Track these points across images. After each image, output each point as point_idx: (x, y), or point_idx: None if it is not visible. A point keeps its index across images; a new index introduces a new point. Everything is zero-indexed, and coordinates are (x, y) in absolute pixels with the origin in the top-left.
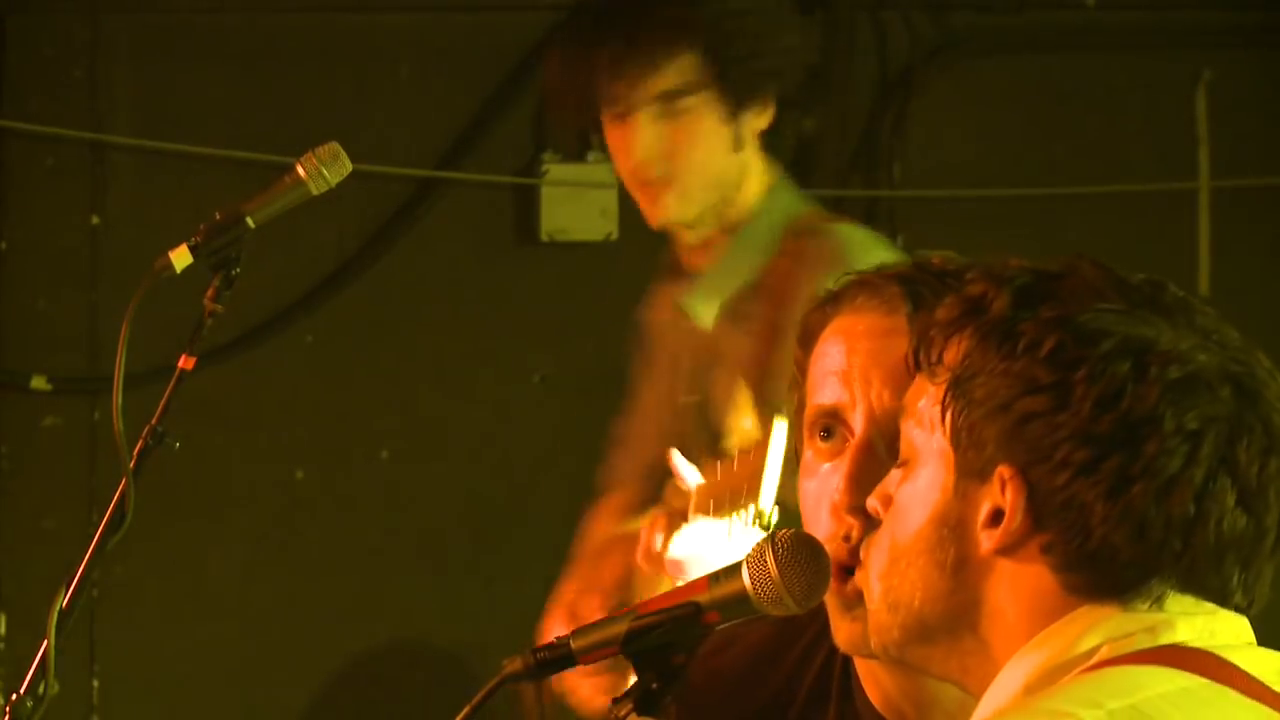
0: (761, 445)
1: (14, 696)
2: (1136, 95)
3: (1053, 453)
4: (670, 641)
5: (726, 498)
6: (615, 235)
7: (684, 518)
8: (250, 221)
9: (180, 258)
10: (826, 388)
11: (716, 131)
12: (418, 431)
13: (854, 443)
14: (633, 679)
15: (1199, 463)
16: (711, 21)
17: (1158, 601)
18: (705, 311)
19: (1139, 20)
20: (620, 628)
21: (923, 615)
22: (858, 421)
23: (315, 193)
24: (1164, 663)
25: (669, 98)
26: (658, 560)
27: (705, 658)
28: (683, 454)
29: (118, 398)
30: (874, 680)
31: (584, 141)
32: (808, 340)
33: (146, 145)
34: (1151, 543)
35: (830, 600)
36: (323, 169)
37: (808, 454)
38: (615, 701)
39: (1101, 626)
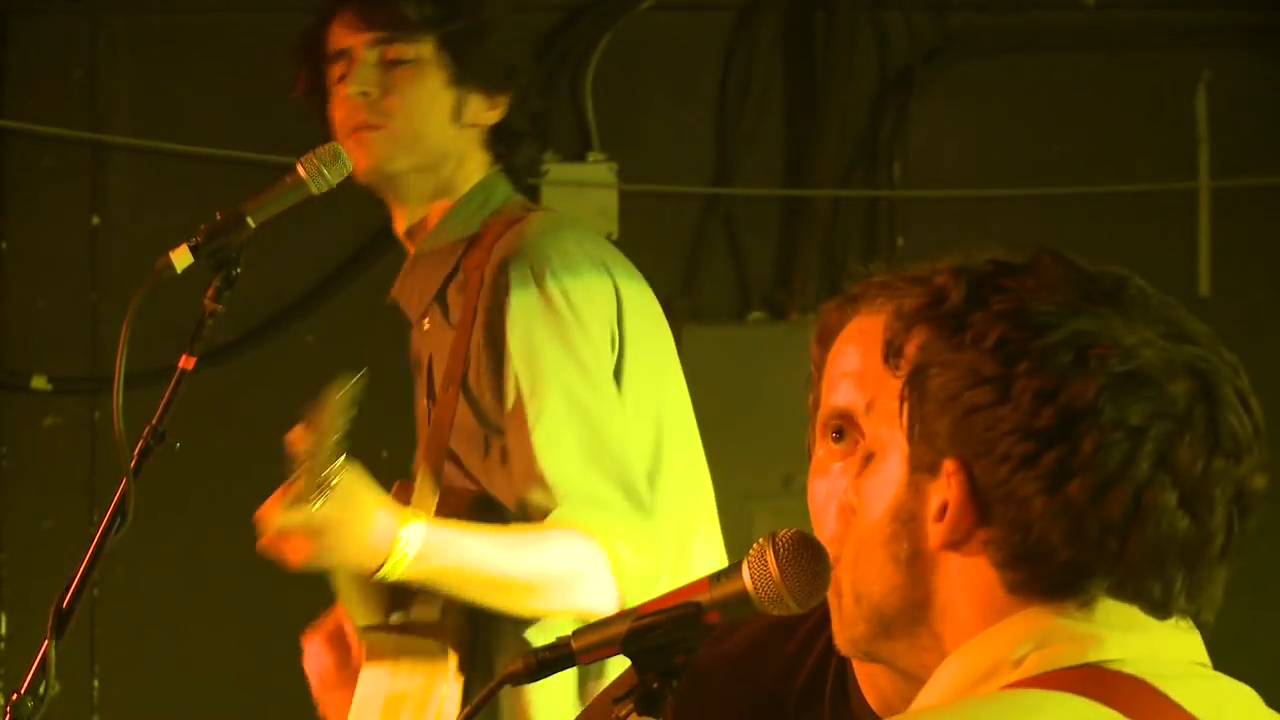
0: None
1: (14, 696)
2: (1136, 95)
3: (995, 446)
4: (671, 641)
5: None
6: (615, 235)
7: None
8: (250, 221)
9: (181, 257)
10: (841, 389)
11: (434, 92)
12: None
13: (864, 444)
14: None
15: (1139, 460)
16: None
17: (1092, 606)
18: (417, 304)
19: (1139, 20)
20: (621, 628)
21: (882, 609)
22: (869, 424)
23: (316, 192)
24: (1082, 689)
25: (390, 42)
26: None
27: (706, 644)
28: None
29: (118, 398)
30: (871, 682)
31: (584, 142)
32: (826, 339)
33: (146, 145)
34: (1088, 542)
35: (832, 599)
36: (323, 169)
37: (820, 452)
38: (616, 701)
39: (1032, 634)
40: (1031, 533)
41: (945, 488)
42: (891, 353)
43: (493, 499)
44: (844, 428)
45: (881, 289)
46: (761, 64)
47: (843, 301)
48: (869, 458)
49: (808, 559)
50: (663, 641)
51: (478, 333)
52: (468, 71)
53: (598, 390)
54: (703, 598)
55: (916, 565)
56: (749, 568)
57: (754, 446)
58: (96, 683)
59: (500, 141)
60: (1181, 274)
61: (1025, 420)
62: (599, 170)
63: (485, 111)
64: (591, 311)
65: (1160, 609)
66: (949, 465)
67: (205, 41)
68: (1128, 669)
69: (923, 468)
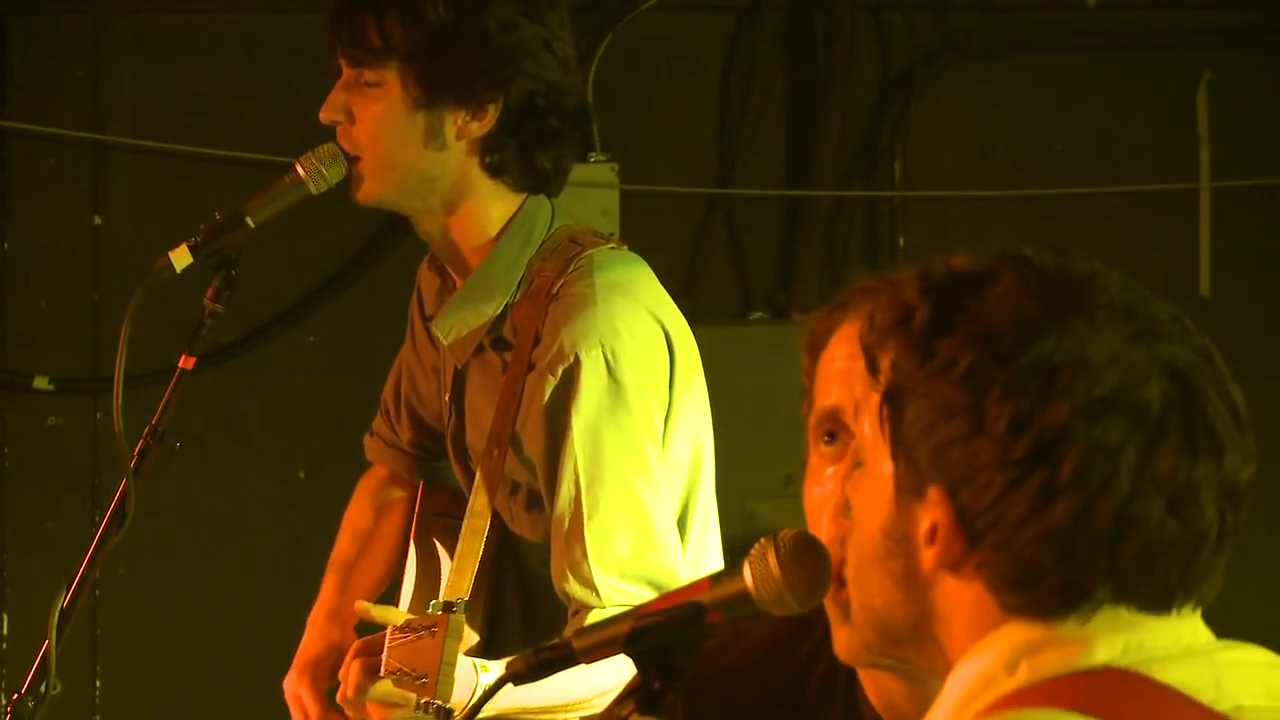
0: (442, 629)
1: (15, 696)
2: (1137, 95)
3: (977, 475)
4: (672, 641)
5: (413, 674)
6: (616, 235)
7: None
8: (250, 221)
9: (180, 257)
10: (831, 390)
11: (400, 121)
12: None
13: (854, 446)
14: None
15: (1120, 477)
16: None
17: (1086, 619)
18: (454, 339)
19: (1139, 20)
20: (623, 627)
21: (885, 621)
22: (858, 426)
23: (315, 192)
24: (1070, 702)
25: (359, 64)
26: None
27: (712, 653)
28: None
29: (118, 398)
30: (876, 686)
31: (585, 142)
32: (815, 347)
33: (147, 145)
34: (1078, 562)
35: (829, 607)
36: (322, 168)
37: (813, 459)
38: (618, 701)
39: (1023, 645)
40: (1021, 558)
41: (932, 512)
42: (870, 364)
43: (514, 535)
44: (835, 430)
45: (866, 295)
46: (762, 64)
47: (830, 309)
48: (859, 464)
49: (809, 558)
50: (664, 641)
51: (537, 399)
52: (437, 91)
53: (655, 488)
54: (704, 597)
55: (915, 583)
56: (750, 567)
57: (754, 446)
58: (98, 683)
59: (491, 152)
60: (1182, 274)
61: (1003, 450)
62: (600, 170)
63: (469, 124)
64: (654, 392)
65: (1156, 608)
66: (933, 493)
67: (206, 41)
68: (1121, 663)
69: (908, 490)
